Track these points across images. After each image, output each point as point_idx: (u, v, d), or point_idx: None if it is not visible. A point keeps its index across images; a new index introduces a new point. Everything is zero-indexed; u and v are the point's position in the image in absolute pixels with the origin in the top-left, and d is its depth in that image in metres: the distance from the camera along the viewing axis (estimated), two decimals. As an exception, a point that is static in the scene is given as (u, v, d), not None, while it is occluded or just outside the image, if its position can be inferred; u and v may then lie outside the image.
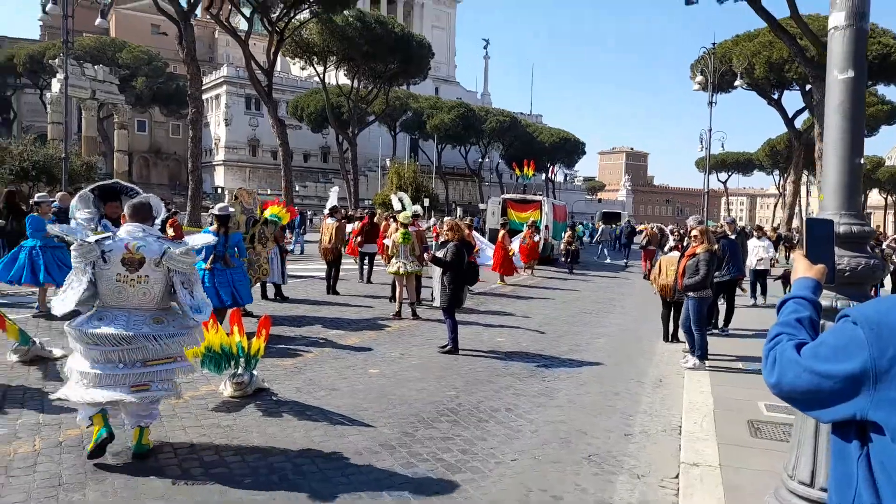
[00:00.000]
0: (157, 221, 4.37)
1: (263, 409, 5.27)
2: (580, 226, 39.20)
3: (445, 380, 6.52)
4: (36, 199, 9.01)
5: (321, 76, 39.12)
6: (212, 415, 5.09)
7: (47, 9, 22.89)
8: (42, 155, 25.53)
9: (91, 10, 33.14)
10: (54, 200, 9.64)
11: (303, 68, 42.64)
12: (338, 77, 42.56)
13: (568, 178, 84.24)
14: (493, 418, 5.35)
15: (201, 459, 4.17)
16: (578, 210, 67.20)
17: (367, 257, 14.37)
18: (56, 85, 34.09)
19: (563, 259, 20.96)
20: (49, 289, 8.26)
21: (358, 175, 42.68)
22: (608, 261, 26.49)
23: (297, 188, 43.55)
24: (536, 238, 18.40)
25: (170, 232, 10.40)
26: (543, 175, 66.08)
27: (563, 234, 22.08)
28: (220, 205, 8.49)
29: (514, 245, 16.54)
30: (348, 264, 14.28)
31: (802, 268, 1.70)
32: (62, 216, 7.99)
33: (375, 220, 15.36)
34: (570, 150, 65.66)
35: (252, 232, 9.05)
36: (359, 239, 14.25)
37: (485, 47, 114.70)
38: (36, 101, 55.09)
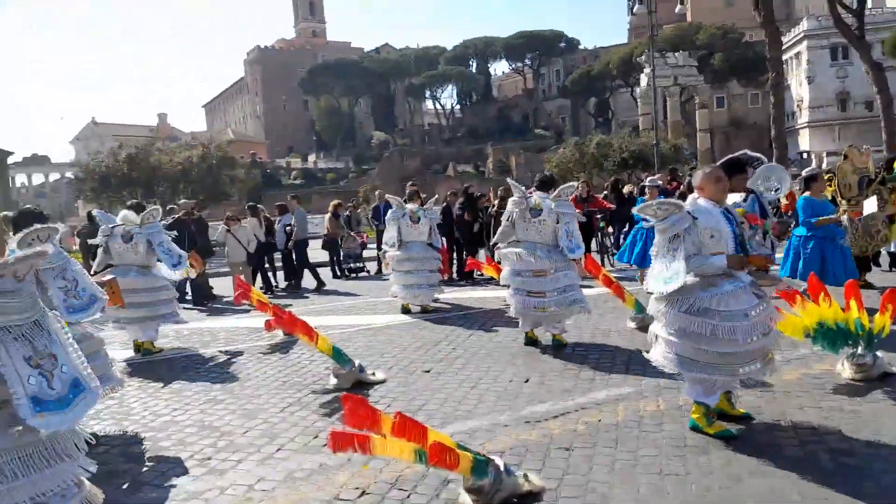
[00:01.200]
0: None
1: (894, 397, 4.52)
2: None
3: None
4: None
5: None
6: (831, 397, 4.64)
7: (635, 10, 25.42)
8: (637, 144, 28.55)
9: (670, 2, 35.27)
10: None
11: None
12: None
13: None
14: None
15: (826, 444, 3.83)
16: None
17: None
18: (643, 79, 37.58)
19: None
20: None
21: None
22: None
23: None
24: None
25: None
26: None
27: None
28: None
29: None
30: None
31: None
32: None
33: None
34: None
35: (867, 193, 7.95)
36: None
37: None
38: (628, 98, 62.15)
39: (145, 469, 4.11)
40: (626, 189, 14.04)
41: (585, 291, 6.92)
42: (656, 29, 28.17)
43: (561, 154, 34.68)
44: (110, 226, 7.36)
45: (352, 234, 14.78)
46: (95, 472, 4.00)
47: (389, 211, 9.44)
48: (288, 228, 12.96)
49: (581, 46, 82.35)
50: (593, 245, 12.71)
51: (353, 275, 14.46)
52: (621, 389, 5.07)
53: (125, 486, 3.86)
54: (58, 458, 2.30)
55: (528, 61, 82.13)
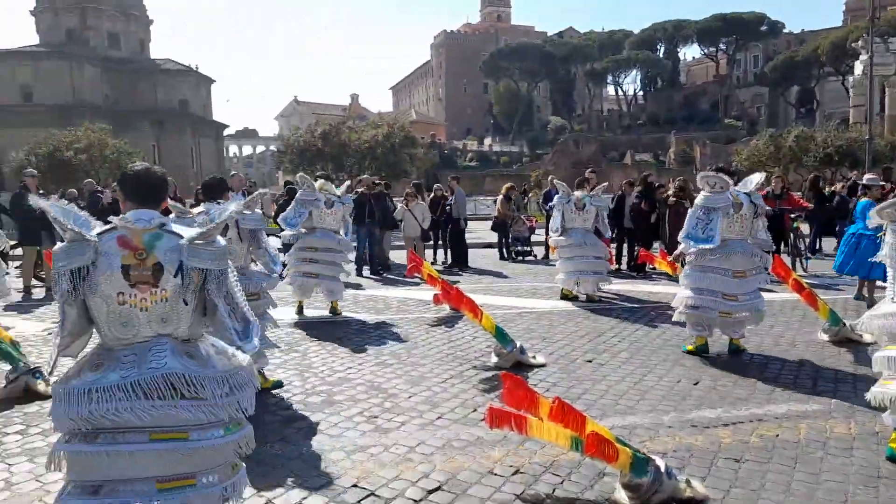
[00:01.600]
0: None
1: None
2: None
3: None
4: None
5: None
6: None
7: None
8: (844, 139, 25.58)
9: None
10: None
11: None
12: None
13: None
14: None
15: None
16: None
17: None
18: (858, 67, 33.48)
19: None
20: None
21: None
22: None
23: None
24: None
25: None
26: None
27: None
28: None
29: None
30: None
31: None
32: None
33: None
34: None
35: None
36: None
37: None
38: (837, 87, 55.77)
39: (320, 418, 4.47)
40: (837, 187, 12.61)
41: (769, 296, 6.38)
42: (878, 11, 24.87)
43: (753, 146, 31.96)
44: (311, 197, 8.05)
45: (522, 217, 14.83)
46: (280, 417, 4.48)
47: (556, 196, 9.33)
48: (448, 208, 13.33)
49: (785, 30, 75.08)
50: (783, 246, 11.64)
51: (520, 258, 14.53)
52: (805, 406, 4.63)
53: (302, 430, 4.23)
54: (251, 382, 2.60)
55: (722, 46, 76.29)
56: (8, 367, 5.06)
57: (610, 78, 79.60)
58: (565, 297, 9.04)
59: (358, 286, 10.69)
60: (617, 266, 12.24)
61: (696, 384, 5.16)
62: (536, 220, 16.39)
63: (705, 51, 79.31)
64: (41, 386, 4.94)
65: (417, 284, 10.09)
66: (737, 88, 77.28)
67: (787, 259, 10.78)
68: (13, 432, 4.25)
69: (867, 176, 9.89)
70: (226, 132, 72.08)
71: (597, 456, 3.03)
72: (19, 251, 10.57)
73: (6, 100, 51.69)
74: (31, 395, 4.89)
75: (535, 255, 14.64)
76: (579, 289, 9.04)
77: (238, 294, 2.76)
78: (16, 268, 10.77)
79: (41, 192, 10.59)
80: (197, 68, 63.36)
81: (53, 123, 41.51)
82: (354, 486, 3.43)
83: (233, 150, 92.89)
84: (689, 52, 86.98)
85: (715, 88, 75.67)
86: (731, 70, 77.77)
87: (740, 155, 31.96)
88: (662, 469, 3.14)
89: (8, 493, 3.37)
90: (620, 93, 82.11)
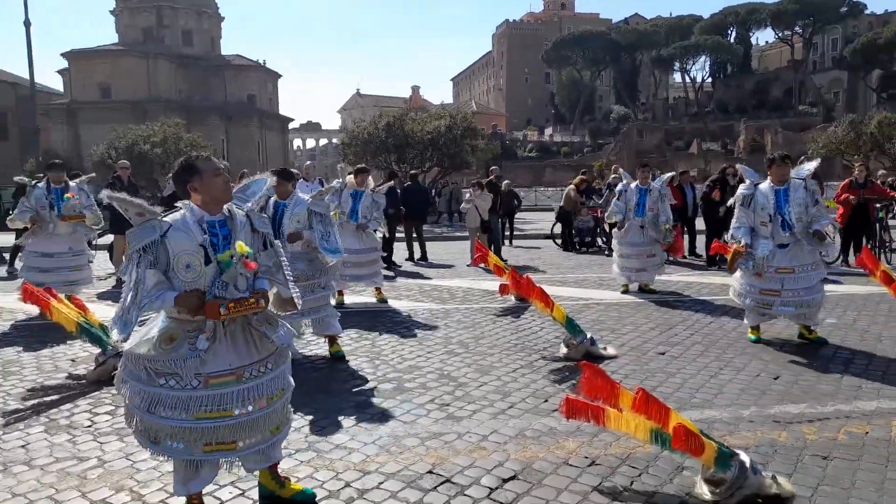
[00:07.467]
0: None
1: None
2: None
3: None
4: None
5: None
6: None
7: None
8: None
9: None
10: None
11: None
12: None
13: None
14: None
15: None
16: None
17: None
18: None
19: None
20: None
21: None
22: None
23: None
24: None
25: None
26: None
27: None
28: None
29: None
30: None
31: None
32: None
33: None
34: None
35: None
36: None
37: None
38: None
39: (393, 405, 4.53)
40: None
41: (853, 290, 6.08)
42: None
43: (831, 133, 30.49)
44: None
45: (587, 208, 14.62)
46: (354, 403, 4.56)
47: (617, 186, 9.18)
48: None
49: (867, 11, 71.12)
50: (865, 237, 11.08)
51: (584, 249, 14.34)
52: (896, 404, 4.41)
53: (376, 416, 4.30)
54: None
55: (798, 29, 72.89)
56: (98, 350, 5.33)
57: (677, 65, 77.28)
58: (625, 291, 8.88)
59: (421, 276, 10.79)
60: (683, 255, 12.02)
61: (776, 379, 4.97)
62: (600, 211, 16.14)
63: (779, 34, 75.95)
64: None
65: (480, 274, 10.08)
66: (812, 73, 73.88)
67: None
68: (103, 412, 4.47)
69: None
70: (290, 125, 73.73)
71: (682, 449, 2.95)
72: (102, 240, 11.07)
73: (87, 96, 54.38)
74: (119, 377, 5.15)
75: (600, 247, 14.41)
76: (629, 282, 8.91)
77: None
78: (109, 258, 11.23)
79: (132, 181, 11.01)
80: (264, 63, 65.00)
81: (130, 118, 43.45)
82: (430, 472, 3.47)
83: (297, 143, 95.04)
84: (762, 37, 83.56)
85: (789, 74, 72.42)
86: (806, 54, 74.27)
87: (816, 142, 30.56)
88: (747, 464, 3.04)
89: (101, 469, 3.55)
90: (687, 80, 79.59)
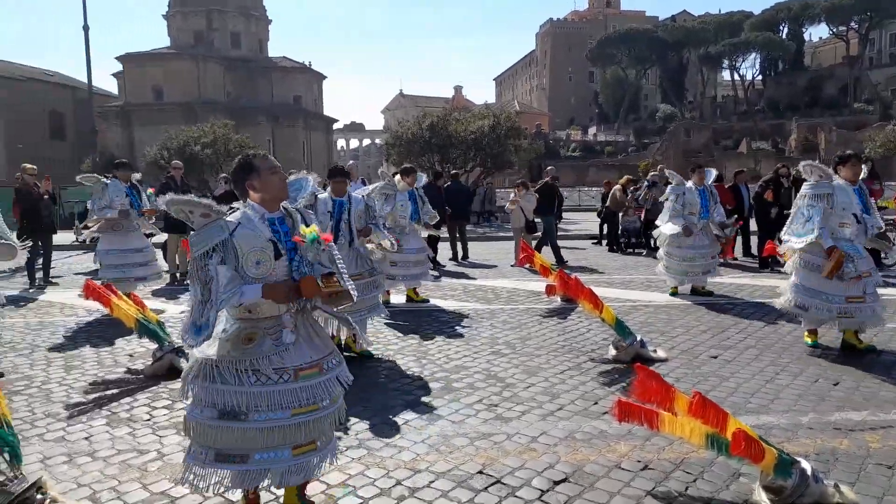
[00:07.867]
0: None
1: None
2: None
3: None
4: None
5: None
6: None
7: None
8: None
9: None
10: None
11: None
12: None
13: None
14: None
15: None
16: None
17: None
18: None
19: None
20: None
21: None
22: None
23: None
24: None
25: None
26: None
27: None
28: None
29: None
30: None
31: None
32: None
33: None
34: None
35: None
36: None
37: None
38: None
39: (441, 404, 4.55)
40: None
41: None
42: None
43: (889, 132, 29.41)
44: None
45: (633, 208, 14.40)
46: (402, 402, 4.59)
47: (668, 187, 8.92)
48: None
49: (929, 4, 68.20)
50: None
51: (630, 250, 14.14)
52: (966, 413, 4.22)
53: (424, 416, 4.32)
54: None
55: (854, 24, 70.35)
56: (155, 345, 5.49)
57: (726, 62, 75.35)
58: (674, 293, 8.70)
59: (465, 276, 10.79)
60: (733, 257, 11.77)
61: (836, 385, 4.82)
62: (644, 212, 15.88)
63: (834, 30, 73.46)
64: (184, 364, 5.31)
65: (525, 275, 10.03)
66: (868, 70, 71.18)
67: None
68: (161, 406, 4.60)
69: None
70: (335, 126, 74.64)
71: (741, 455, 2.88)
72: (155, 239, 11.36)
73: (141, 98, 56.06)
74: (175, 373, 5.27)
75: (653, 245, 14.13)
76: (676, 283, 8.72)
77: None
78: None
79: (185, 182, 11.27)
80: (310, 65, 65.95)
81: (181, 120, 44.60)
82: (480, 472, 3.47)
83: (340, 143, 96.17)
84: (816, 33, 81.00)
85: (843, 70, 69.94)
86: (862, 50, 71.60)
87: (872, 141, 29.49)
88: (809, 472, 2.96)
89: (160, 462, 3.66)
90: (737, 78, 77.62)
